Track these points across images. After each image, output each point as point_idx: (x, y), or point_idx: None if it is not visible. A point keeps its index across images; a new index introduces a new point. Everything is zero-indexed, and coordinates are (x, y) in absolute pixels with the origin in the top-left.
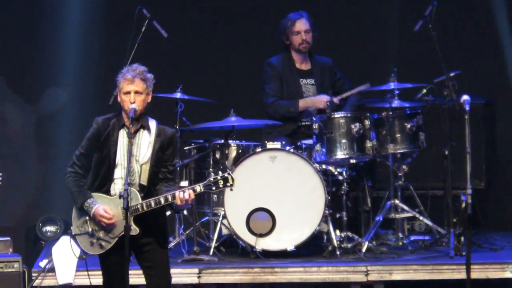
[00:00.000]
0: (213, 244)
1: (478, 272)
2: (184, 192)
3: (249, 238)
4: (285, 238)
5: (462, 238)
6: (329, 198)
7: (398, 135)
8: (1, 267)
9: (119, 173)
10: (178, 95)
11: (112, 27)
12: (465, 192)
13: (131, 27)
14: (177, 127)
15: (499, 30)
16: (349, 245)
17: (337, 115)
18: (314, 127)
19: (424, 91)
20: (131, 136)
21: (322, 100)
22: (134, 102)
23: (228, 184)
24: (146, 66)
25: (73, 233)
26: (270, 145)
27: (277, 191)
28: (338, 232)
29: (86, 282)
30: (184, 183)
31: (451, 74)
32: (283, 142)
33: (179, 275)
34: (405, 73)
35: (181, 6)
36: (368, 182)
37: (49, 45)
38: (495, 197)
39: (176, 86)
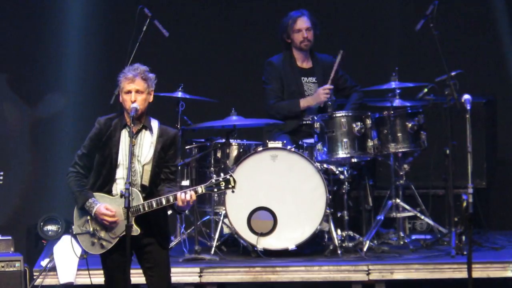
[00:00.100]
0: (215, 243)
1: (480, 271)
2: (186, 194)
3: (250, 237)
4: (286, 237)
5: (464, 237)
6: (330, 197)
7: (399, 134)
8: (2, 266)
9: (121, 173)
10: (179, 94)
11: (113, 26)
12: (466, 191)
13: (133, 26)
14: (179, 126)
15: (500, 29)
16: (351, 244)
17: (339, 114)
18: (316, 126)
19: (426, 90)
20: (133, 135)
21: (320, 94)
22: (135, 101)
23: (230, 186)
24: (147, 65)
25: (74, 233)
26: (271, 144)
27: (278, 190)
28: (339, 231)
29: (87, 281)
30: (185, 183)
31: (452, 73)
32: (284, 142)
33: (180, 274)
34: (406, 72)
35: (182, 5)
36: (369, 181)
37: (51, 44)
38: (496, 196)
39: (177, 85)
